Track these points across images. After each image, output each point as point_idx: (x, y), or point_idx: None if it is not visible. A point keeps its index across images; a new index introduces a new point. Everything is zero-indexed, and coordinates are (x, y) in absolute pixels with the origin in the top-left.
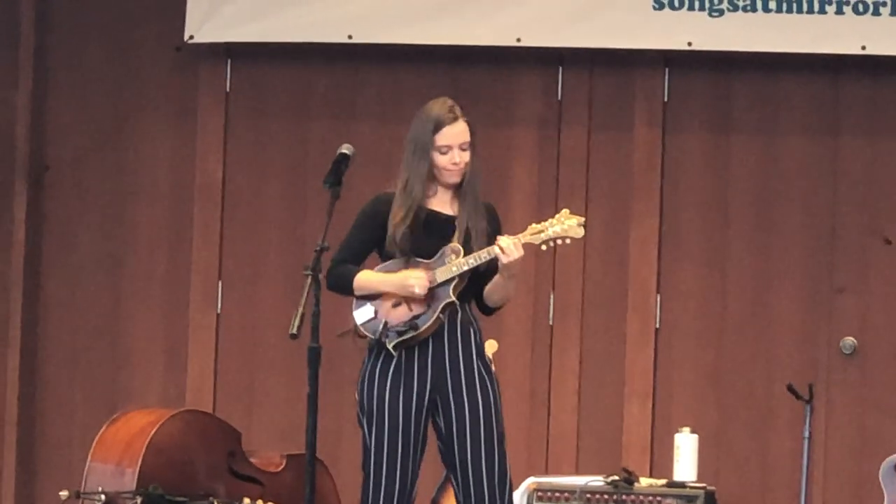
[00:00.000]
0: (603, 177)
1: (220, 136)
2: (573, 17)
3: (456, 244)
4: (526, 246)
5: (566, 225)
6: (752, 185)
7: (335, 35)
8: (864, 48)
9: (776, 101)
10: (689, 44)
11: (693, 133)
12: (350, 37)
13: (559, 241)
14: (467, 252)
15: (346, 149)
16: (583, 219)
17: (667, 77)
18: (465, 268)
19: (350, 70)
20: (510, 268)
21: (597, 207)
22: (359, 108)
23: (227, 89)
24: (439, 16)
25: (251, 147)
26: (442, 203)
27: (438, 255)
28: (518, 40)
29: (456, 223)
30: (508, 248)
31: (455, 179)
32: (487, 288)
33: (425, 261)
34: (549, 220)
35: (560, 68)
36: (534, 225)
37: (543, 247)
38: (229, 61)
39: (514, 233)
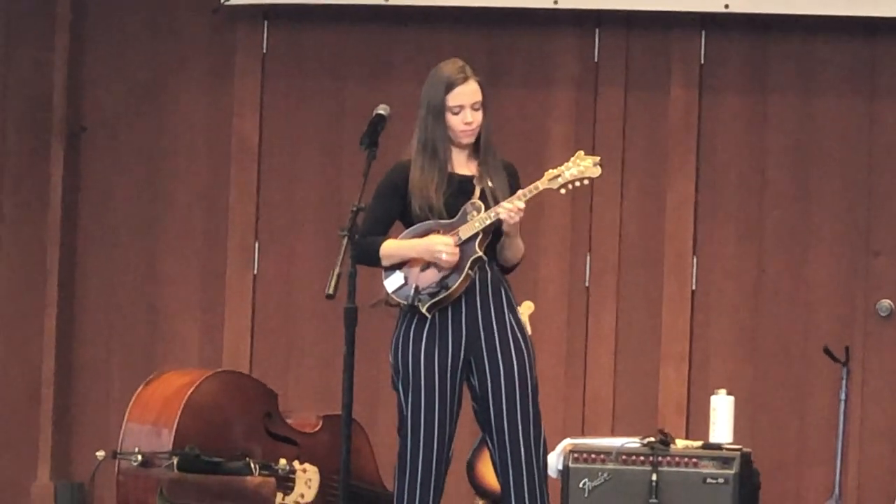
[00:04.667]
0: (639, 139)
1: (257, 98)
2: None
3: (477, 201)
4: (551, 195)
5: (582, 166)
6: (788, 148)
7: None
8: None
9: (812, 63)
10: (726, 6)
11: (729, 95)
12: None
13: (577, 184)
14: (489, 209)
15: (382, 109)
16: (598, 158)
17: (703, 39)
18: (489, 222)
19: (386, 31)
20: (510, 226)
21: (633, 169)
22: (395, 69)
23: (264, 50)
24: None
25: (287, 108)
26: (459, 164)
27: (460, 213)
28: (555, 2)
29: (475, 182)
30: (509, 208)
31: (468, 139)
32: (497, 248)
33: (448, 221)
34: (565, 164)
35: (597, 30)
36: (550, 171)
37: (562, 191)
38: (266, 23)
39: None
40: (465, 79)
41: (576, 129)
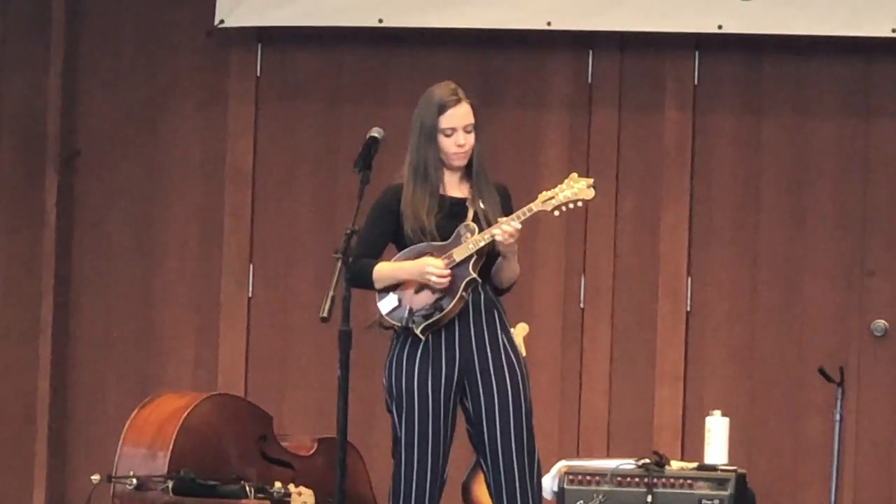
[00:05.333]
0: (633, 160)
1: (251, 121)
2: (603, 1)
3: (470, 223)
4: (545, 216)
5: (576, 188)
6: (782, 168)
7: (366, 19)
8: (894, 31)
9: (806, 84)
10: (720, 27)
11: (723, 116)
12: (380, 20)
13: (571, 205)
14: (482, 230)
15: (375, 132)
16: (591, 180)
17: (697, 60)
18: (482, 243)
19: (380, 54)
20: (507, 247)
21: (627, 190)
22: (389, 91)
23: (258, 73)
24: None
25: (282, 131)
26: (451, 186)
27: (454, 235)
28: (549, 24)
29: (467, 204)
30: (507, 230)
31: (461, 162)
32: (493, 270)
33: (441, 243)
34: (559, 186)
35: (591, 51)
36: (544, 192)
37: (556, 213)
38: (260, 46)
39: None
40: (458, 101)
41: (570, 150)
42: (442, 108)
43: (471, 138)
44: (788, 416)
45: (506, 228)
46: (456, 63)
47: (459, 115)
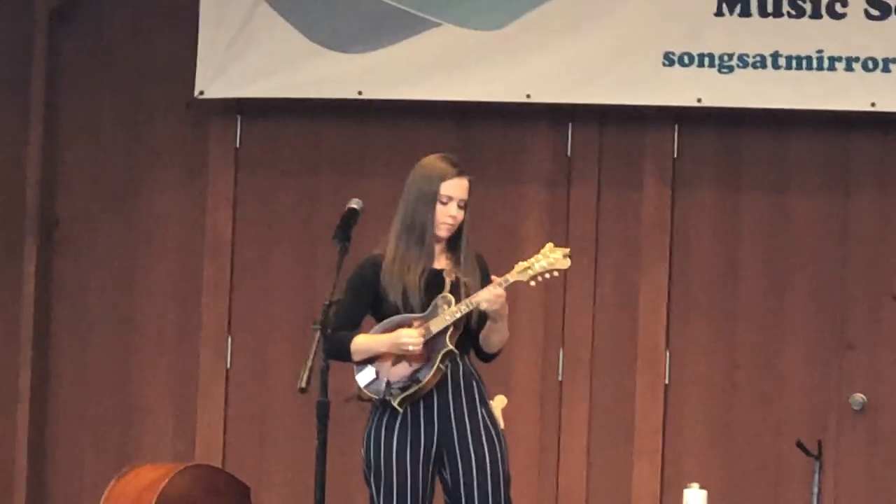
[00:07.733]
0: (612, 233)
1: (230, 192)
2: (583, 74)
3: (447, 294)
4: (524, 289)
5: (552, 258)
6: (761, 242)
7: (345, 91)
8: (873, 105)
9: (786, 158)
10: (699, 100)
11: (703, 190)
12: (360, 93)
13: (547, 275)
14: (459, 301)
15: (354, 203)
16: (567, 250)
17: (676, 134)
18: (458, 315)
19: (360, 126)
20: (497, 312)
21: (606, 264)
22: (368, 163)
23: (237, 145)
24: (449, 72)
25: (261, 202)
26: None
27: (431, 307)
28: (528, 96)
29: (444, 275)
30: (488, 298)
31: (446, 234)
32: (482, 335)
33: (419, 315)
34: (535, 256)
35: (570, 125)
36: (520, 263)
37: (532, 283)
38: (239, 117)
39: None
40: (460, 174)
41: (549, 223)
42: (444, 176)
43: (462, 214)
44: (766, 490)
45: (486, 296)
46: (435, 135)
47: (459, 187)
